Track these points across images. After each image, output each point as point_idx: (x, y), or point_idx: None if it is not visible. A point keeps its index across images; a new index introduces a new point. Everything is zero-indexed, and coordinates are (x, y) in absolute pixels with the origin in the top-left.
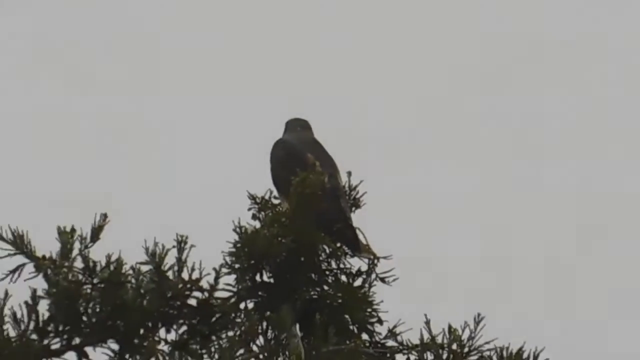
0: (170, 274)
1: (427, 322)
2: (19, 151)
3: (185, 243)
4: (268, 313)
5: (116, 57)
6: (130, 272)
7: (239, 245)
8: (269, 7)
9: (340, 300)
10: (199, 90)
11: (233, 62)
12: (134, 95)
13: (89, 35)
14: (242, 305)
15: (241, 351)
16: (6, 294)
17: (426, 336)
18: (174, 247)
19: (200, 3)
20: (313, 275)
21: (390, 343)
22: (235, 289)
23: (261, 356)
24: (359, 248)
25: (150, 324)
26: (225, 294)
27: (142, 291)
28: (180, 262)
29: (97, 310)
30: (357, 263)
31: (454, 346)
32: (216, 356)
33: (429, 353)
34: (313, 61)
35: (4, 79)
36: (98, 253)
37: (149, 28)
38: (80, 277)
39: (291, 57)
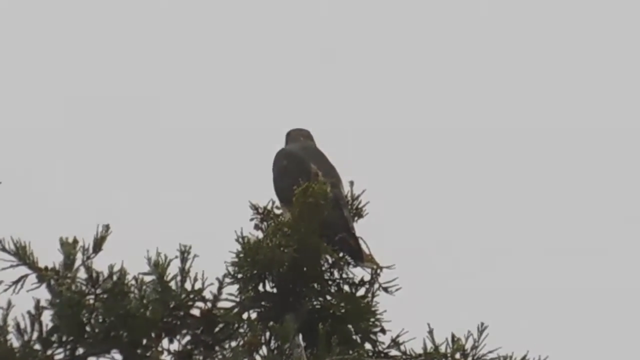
0: (173, 284)
1: (430, 332)
2: None
3: (188, 253)
4: (271, 323)
5: None
6: (133, 282)
7: (241, 255)
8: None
9: (343, 310)
10: (201, 98)
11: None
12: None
13: None
14: (245, 315)
15: None
16: (9, 304)
17: (429, 345)
18: (176, 257)
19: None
20: (316, 285)
21: (394, 352)
22: (238, 299)
23: None
24: (361, 257)
25: (153, 334)
26: (229, 304)
27: (145, 301)
28: (183, 272)
29: (100, 320)
30: (360, 273)
31: (457, 355)
32: None
33: None
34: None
35: None
36: (101, 263)
37: None
38: (84, 287)
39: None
